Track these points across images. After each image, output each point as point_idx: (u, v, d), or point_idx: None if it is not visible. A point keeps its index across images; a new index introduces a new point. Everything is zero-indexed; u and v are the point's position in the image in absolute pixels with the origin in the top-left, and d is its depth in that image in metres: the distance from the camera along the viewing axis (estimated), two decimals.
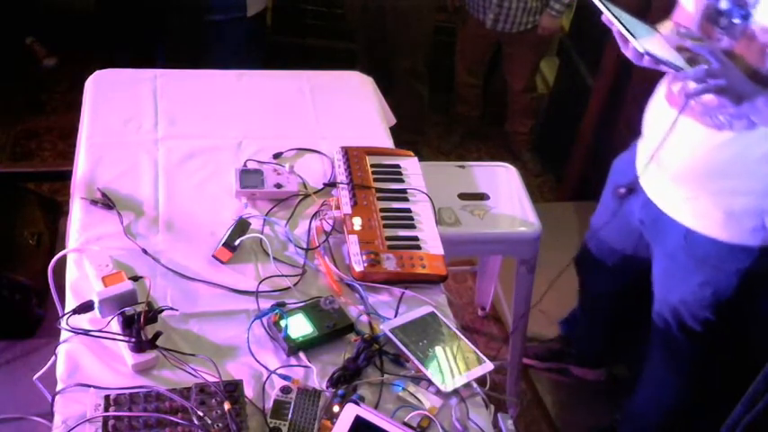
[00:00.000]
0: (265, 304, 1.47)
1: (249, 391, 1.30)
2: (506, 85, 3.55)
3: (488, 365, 1.42)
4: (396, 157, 1.87)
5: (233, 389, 1.27)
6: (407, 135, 3.07)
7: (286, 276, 1.54)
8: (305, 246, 1.62)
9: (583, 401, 2.52)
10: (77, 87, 2.08)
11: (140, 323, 1.31)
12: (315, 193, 1.76)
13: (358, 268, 1.54)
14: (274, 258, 1.57)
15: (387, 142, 1.97)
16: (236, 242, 1.56)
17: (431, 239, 1.65)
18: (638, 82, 2.84)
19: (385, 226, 1.66)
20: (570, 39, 3.46)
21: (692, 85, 1.45)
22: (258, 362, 1.37)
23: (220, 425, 1.20)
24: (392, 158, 1.87)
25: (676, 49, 1.46)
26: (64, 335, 1.36)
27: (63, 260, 1.51)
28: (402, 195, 1.77)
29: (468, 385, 1.39)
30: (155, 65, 2.63)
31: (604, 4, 1.42)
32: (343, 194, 1.71)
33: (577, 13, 3.42)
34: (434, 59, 3.45)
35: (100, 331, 1.34)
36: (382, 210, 1.70)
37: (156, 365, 1.34)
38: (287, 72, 2.21)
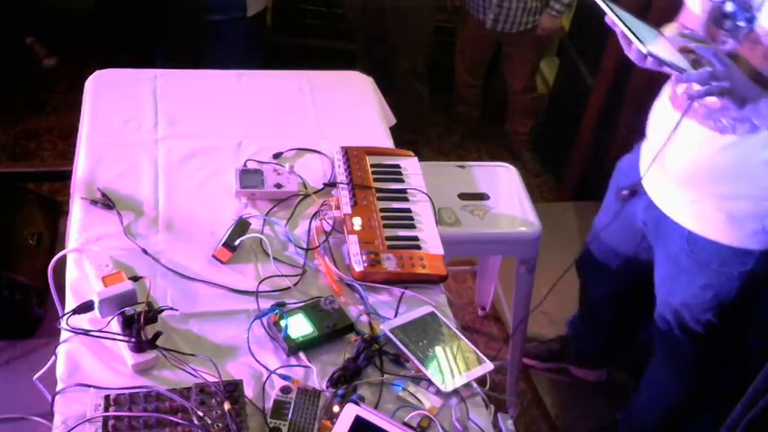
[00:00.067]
0: (265, 304, 1.47)
1: (249, 391, 1.30)
2: (506, 85, 3.55)
3: (488, 365, 1.42)
4: (396, 157, 1.87)
5: (233, 389, 1.27)
6: (407, 135, 3.08)
7: (286, 276, 1.54)
8: (305, 246, 1.62)
9: (583, 401, 2.52)
10: (77, 87, 2.08)
11: (140, 323, 1.31)
12: (315, 193, 1.76)
13: (358, 268, 1.54)
14: (274, 258, 1.57)
15: (387, 142, 1.97)
16: (236, 242, 1.56)
17: (431, 239, 1.65)
18: (637, 82, 2.84)
19: (385, 226, 1.66)
20: (570, 39, 3.46)
21: (696, 88, 1.45)
22: (258, 362, 1.37)
23: (220, 425, 1.20)
24: (392, 158, 1.87)
25: (679, 51, 1.45)
26: (64, 335, 1.36)
27: (63, 260, 1.51)
28: (402, 195, 1.77)
29: (468, 385, 1.39)
30: (155, 65, 2.63)
31: (608, 5, 1.42)
32: (343, 194, 1.71)
33: (577, 13, 3.42)
34: (434, 59, 3.45)
35: (100, 331, 1.34)
36: (382, 210, 1.70)
37: (156, 365, 1.34)
38: (287, 72, 2.21)
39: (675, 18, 1.69)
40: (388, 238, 1.63)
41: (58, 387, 1.28)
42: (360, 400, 1.30)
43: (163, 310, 1.36)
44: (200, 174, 1.78)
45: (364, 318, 1.49)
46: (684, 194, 1.70)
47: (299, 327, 1.41)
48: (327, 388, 1.33)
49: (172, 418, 1.21)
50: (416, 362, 1.40)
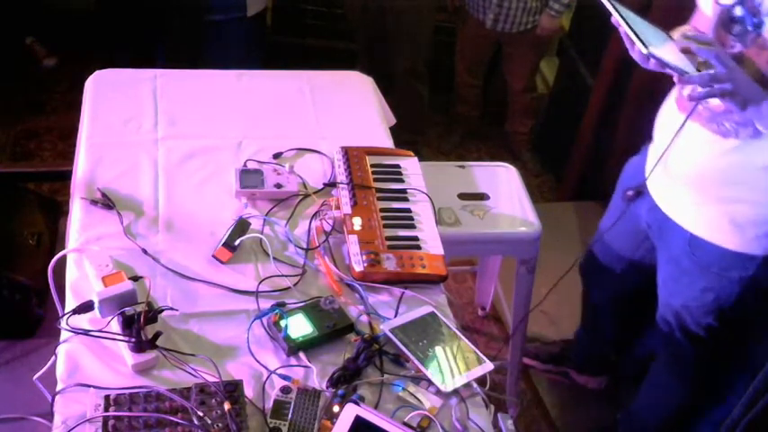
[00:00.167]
0: (265, 304, 1.47)
1: (249, 391, 1.30)
2: (506, 85, 3.55)
3: (488, 365, 1.42)
4: (396, 157, 1.87)
5: (233, 389, 1.27)
6: (407, 135, 3.07)
7: (286, 276, 1.54)
8: (305, 246, 1.62)
9: (583, 402, 2.52)
10: (77, 87, 2.08)
11: (140, 323, 1.31)
12: (315, 193, 1.76)
13: (358, 268, 1.54)
14: (274, 258, 1.57)
15: (387, 142, 1.97)
16: (236, 242, 1.56)
17: (431, 239, 1.65)
18: (638, 82, 2.84)
19: (385, 226, 1.66)
20: (570, 39, 3.46)
21: (698, 89, 1.45)
22: (258, 362, 1.37)
23: (220, 425, 1.20)
24: (392, 158, 1.87)
25: (682, 52, 1.45)
26: (64, 335, 1.36)
27: (63, 260, 1.51)
28: (402, 195, 1.77)
29: (468, 385, 1.39)
30: (155, 65, 2.63)
31: (613, 5, 1.42)
32: (343, 194, 1.71)
33: (577, 13, 3.42)
34: (434, 59, 3.45)
35: (100, 331, 1.34)
36: (382, 210, 1.70)
37: (156, 365, 1.34)
38: (287, 72, 2.21)
39: (688, 20, 1.69)
40: (388, 238, 1.63)
41: (58, 387, 1.28)
42: (360, 400, 1.30)
43: (163, 310, 1.36)
44: (200, 174, 1.78)
45: (364, 318, 1.49)
46: (687, 197, 1.70)
47: (299, 327, 1.41)
48: (327, 388, 1.33)
49: (172, 418, 1.21)
50: (416, 362, 1.40)
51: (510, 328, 2.49)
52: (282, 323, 1.40)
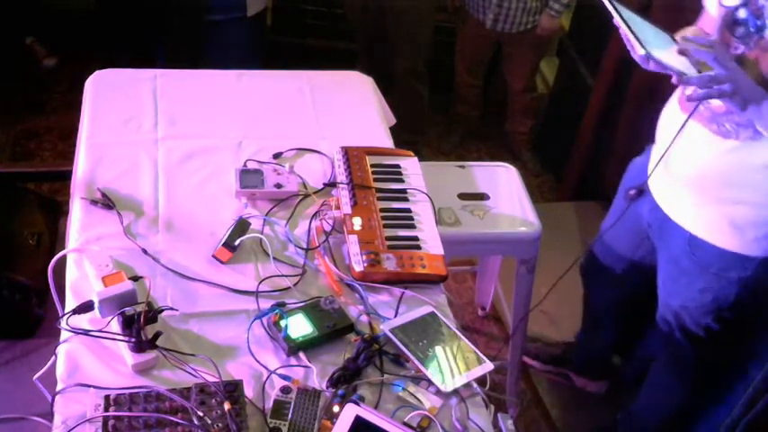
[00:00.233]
0: (265, 304, 1.47)
1: (249, 391, 1.30)
2: (506, 85, 3.55)
3: (488, 365, 1.42)
4: (396, 157, 1.87)
5: (233, 389, 1.27)
6: (407, 135, 3.08)
7: (286, 276, 1.54)
8: (305, 246, 1.62)
9: (583, 401, 2.52)
10: (77, 87, 2.08)
11: (140, 323, 1.31)
12: (315, 193, 1.76)
13: (358, 268, 1.54)
14: (274, 258, 1.57)
15: (387, 142, 1.97)
16: (236, 242, 1.56)
17: (431, 239, 1.65)
18: (638, 82, 2.84)
19: (385, 226, 1.66)
20: (570, 39, 3.46)
21: (698, 91, 1.45)
22: (258, 362, 1.37)
23: (220, 425, 1.20)
24: (392, 158, 1.87)
25: (681, 54, 1.45)
26: (64, 335, 1.36)
27: (63, 260, 1.51)
28: (402, 195, 1.77)
29: (468, 385, 1.39)
30: (155, 65, 2.63)
31: (614, 6, 1.42)
32: (343, 194, 1.71)
33: (577, 13, 3.42)
34: (434, 59, 3.45)
35: (100, 331, 1.34)
36: (382, 210, 1.70)
37: (156, 365, 1.34)
38: (287, 72, 2.21)
39: (688, 20, 1.69)
40: (388, 238, 1.63)
41: (58, 387, 1.28)
42: (360, 400, 1.30)
43: (163, 310, 1.36)
44: (200, 174, 1.78)
45: (364, 318, 1.49)
46: (687, 197, 1.70)
47: (299, 327, 1.41)
48: (327, 388, 1.33)
49: (172, 418, 1.21)
50: (416, 362, 1.40)
51: (510, 328, 2.49)
52: (282, 323, 1.40)
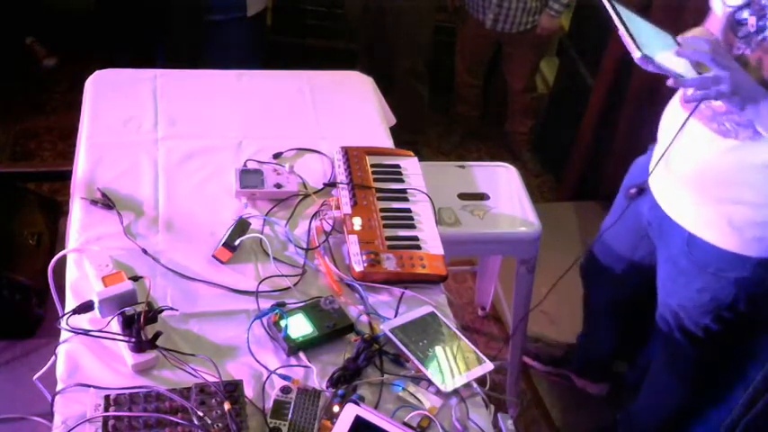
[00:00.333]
0: (265, 304, 1.47)
1: (249, 391, 1.30)
2: (506, 85, 3.55)
3: (488, 365, 1.42)
4: (396, 157, 1.87)
5: (233, 389, 1.27)
6: (407, 135, 3.07)
7: (286, 276, 1.54)
8: (305, 246, 1.62)
9: (583, 402, 2.52)
10: (77, 87, 2.08)
11: (140, 323, 1.31)
12: (315, 193, 1.76)
13: (358, 268, 1.54)
14: (274, 258, 1.57)
15: (387, 142, 1.97)
16: (236, 242, 1.56)
17: (431, 239, 1.65)
18: (638, 82, 2.84)
19: (385, 226, 1.66)
20: (570, 39, 3.46)
21: (696, 92, 1.45)
22: (258, 362, 1.37)
23: (220, 425, 1.20)
24: (392, 158, 1.87)
25: (678, 55, 1.45)
26: (64, 335, 1.36)
27: (63, 260, 1.51)
28: (402, 195, 1.77)
29: (468, 385, 1.39)
30: (155, 65, 2.63)
31: (613, 7, 1.41)
32: (343, 194, 1.71)
33: (577, 13, 3.42)
34: (434, 59, 3.45)
35: (100, 331, 1.34)
36: (382, 210, 1.70)
37: (156, 365, 1.34)
38: (287, 72, 2.21)
39: (687, 20, 1.69)
40: (388, 238, 1.63)
41: (58, 387, 1.28)
42: (360, 400, 1.30)
43: (163, 310, 1.36)
44: (200, 174, 1.78)
45: (364, 318, 1.49)
46: (687, 196, 1.70)
47: (299, 327, 1.41)
48: (327, 388, 1.33)
49: (172, 418, 1.21)
50: (416, 362, 1.40)
51: (510, 328, 2.49)
52: (282, 323, 1.40)
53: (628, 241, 2.01)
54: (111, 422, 1.20)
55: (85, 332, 1.34)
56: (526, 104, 3.56)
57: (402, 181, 1.81)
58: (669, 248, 1.81)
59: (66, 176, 2.14)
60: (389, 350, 1.43)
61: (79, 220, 1.61)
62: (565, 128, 3.38)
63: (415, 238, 1.65)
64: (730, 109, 1.50)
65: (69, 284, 1.47)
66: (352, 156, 1.81)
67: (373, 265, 1.55)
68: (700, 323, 1.81)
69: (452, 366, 1.41)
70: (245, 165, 1.79)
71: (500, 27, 3.19)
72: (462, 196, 2.09)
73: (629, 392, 2.41)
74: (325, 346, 1.42)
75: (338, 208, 1.68)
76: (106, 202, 1.64)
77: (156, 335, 1.32)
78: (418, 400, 1.34)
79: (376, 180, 1.77)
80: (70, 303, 1.42)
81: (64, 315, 1.36)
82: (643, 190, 1.85)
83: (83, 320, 1.36)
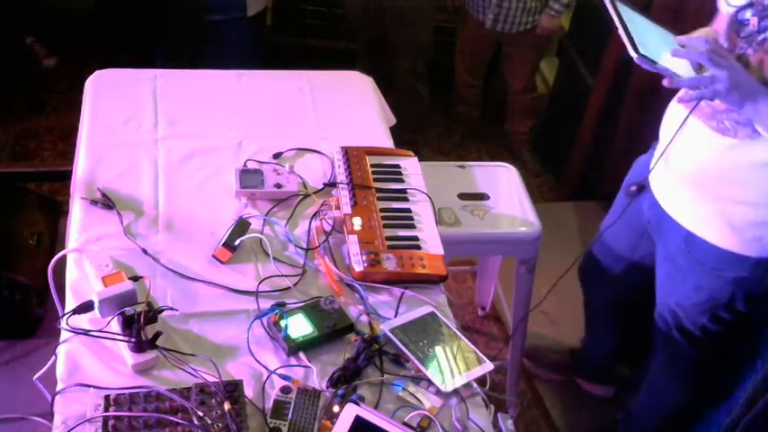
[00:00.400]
0: (265, 304, 1.47)
1: (249, 391, 1.30)
2: (506, 85, 3.55)
3: (488, 365, 1.42)
4: (396, 157, 1.87)
5: (233, 389, 1.27)
6: (407, 135, 3.07)
7: (286, 276, 1.54)
8: (305, 246, 1.62)
9: (583, 402, 2.52)
10: (77, 87, 2.08)
11: (140, 323, 1.31)
12: (315, 193, 1.76)
13: (358, 268, 1.54)
14: (274, 258, 1.57)
15: (387, 142, 1.97)
16: (236, 242, 1.56)
17: (431, 239, 1.65)
18: (638, 82, 2.84)
19: (385, 226, 1.66)
20: (570, 39, 3.46)
21: (690, 92, 1.45)
22: (258, 362, 1.37)
23: (220, 425, 1.20)
24: (392, 158, 1.87)
25: (673, 56, 1.45)
26: (64, 335, 1.36)
27: (63, 260, 1.51)
28: (402, 195, 1.77)
29: (468, 385, 1.39)
30: (155, 65, 2.63)
31: (614, 6, 1.41)
32: (343, 194, 1.71)
33: (577, 13, 3.42)
34: (434, 59, 3.45)
35: (100, 331, 1.34)
36: (382, 210, 1.70)
37: (156, 365, 1.34)
38: (287, 72, 2.21)
39: (695, 22, 1.68)
40: (388, 238, 1.63)
41: (58, 387, 1.28)
42: (360, 400, 1.30)
43: (163, 310, 1.36)
44: (200, 174, 1.78)
45: (364, 318, 1.49)
46: (686, 194, 1.70)
47: (299, 327, 1.41)
48: (327, 388, 1.33)
49: (172, 418, 1.21)
50: (416, 362, 1.40)
51: (510, 328, 2.48)
52: (282, 323, 1.40)
53: (628, 241, 2.01)
54: (111, 422, 1.20)
55: (85, 332, 1.34)
56: (526, 104, 3.56)
57: (402, 181, 1.81)
58: (668, 246, 1.81)
59: (66, 176, 2.14)
60: (389, 350, 1.43)
61: (79, 220, 1.61)
62: (565, 128, 3.38)
63: (415, 238, 1.65)
64: (730, 107, 1.50)
65: (69, 284, 1.47)
66: (352, 156, 1.81)
67: (373, 265, 1.55)
68: (697, 322, 1.81)
69: (452, 366, 1.41)
70: (245, 165, 1.79)
71: (500, 27, 3.19)
72: (462, 196, 2.09)
73: (629, 393, 2.41)
74: (325, 346, 1.42)
75: (338, 208, 1.68)
76: (106, 202, 1.64)
77: (156, 335, 1.32)
78: (418, 400, 1.34)
79: (376, 180, 1.77)
80: (70, 303, 1.42)
81: (64, 315, 1.36)
82: (643, 187, 1.85)
83: (83, 320, 1.36)
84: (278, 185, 1.72)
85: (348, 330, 1.44)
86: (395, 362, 1.41)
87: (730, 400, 1.93)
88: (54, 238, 2.65)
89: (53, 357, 1.35)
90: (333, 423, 1.23)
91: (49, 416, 1.26)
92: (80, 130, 1.92)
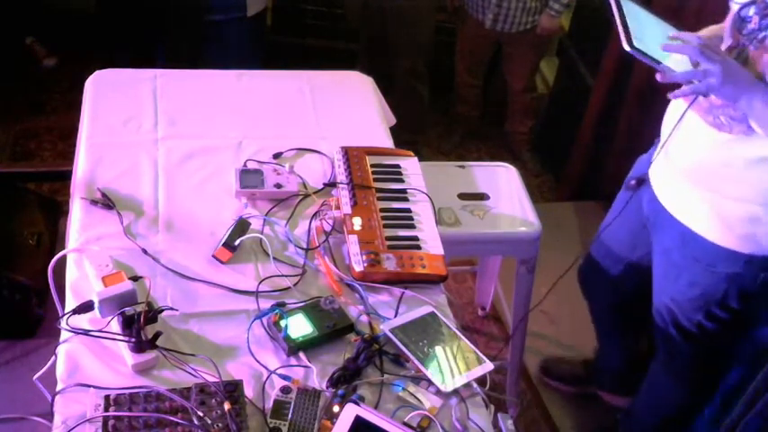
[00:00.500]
0: (265, 304, 1.47)
1: (249, 391, 1.30)
2: (506, 85, 3.55)
3: (488, 365, 1.42)
4: (396, 157, 1.87)
5: (233, 389, 1.27)
6: (407, 135, 3.07)
7: (286, 276, 1.54)
8: (305, 246, 1.62)
9: (583, 402, 2.52)
10: (77, 87, 2.08)
11: (140, 323, 1.31)
12: (315, 193, 1.76)
13: (358, 268, 1.54)
14: (274, 258, 1.57)
15: (387, 142, 1.97)
16: (236, 242, 1.56)
17: (431, 239, 1.65)
18: (638, 81, 2.84)
19: (385, 226, 1.66)
20: (570, 39, 3.46)
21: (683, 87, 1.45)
22: (258, 362, 1.37)
23: (220, 425, 1.20)
24: (392, 158, 1.87)
25: (665, 50, 1.45)
26: (64, 335, 1.36)
27: (63, 260, 1.51)
28: (402, 195, 1.77)
29: (468, 385, 1.39)
30: (155, 65, 2.63)
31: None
32: (343, 194, 1.71)
33: (577, 13, 3.42)
34: (434, 59, 3.45)
35: (100, 331, 1.34)
36: (382, 210, 1.70)
37: (156, 365, 1.34)
38: (287, 72, 2.21)
39: (695, 22, 1.68)
40: (388, 238, 1.63)
41: (58, 387, 1.28)
42: (360, 400, 1.30)
43: (163, 310, 1.36)
44: (200, 174, 1.78)
45: (364, 318, 1.49)
46: (683, 189, 1.70)
47: (299, 327, 1.41)
48: (327, 388, 1.33)
49: (172, 418, 1.21)
50: (416, 362, 1.40)
51: (510, 328, 2.48)
52: (282, 323, 1.40)
53: (627, 240, 2.01)
54: (111, 422, 1.20)
55: (85, 332, 1.34)
56: (526, 104, 3.56)
57: (402, 181, 1.81)
58: (663, 242, 1.81)
59: (66, 176, 2.14)
60: (389, 350, 1.43)
61: (79, 220, 1.61)
62: (565, 128, 3.38)
63: (415, 238, 1.65)
64: (726, 102, 1.50)
65: (69, 284, 1.47)
66: (352, 156, 1.81)
67: (373, 265, 1.55)
68: (693, 319, 1.81)
69: (452, 366, 1.41)
70: (245, 165, 1.79)
71: (500, 27, 3.19)
72: (462, 196, 2.09)
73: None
74: (326, 346, 1.42)
75: (338, 208, 1.68)
76: (106, 202, 1.64)
77: (156, 335, 1.32)
78: (418, 400, 1.34)
79: (376, 180, 1.77)
80: (70, 303, 1.42)
81: (64, 315, 1.36)
82: (643, 181, 1.85)
83: (83, 320, 1.36)
84: (278, 185, 1.72)
85: (348, 330, 1.44)
86: (395, 362, 1.41)
87: (730, 400, 1.93)
88: (54, 238, 2.65)
89: (53, 357, 1.35)
90: (333, 423, 1.23)
91: (49, 416, 1.26)
92: (80, 130, 1.92)
